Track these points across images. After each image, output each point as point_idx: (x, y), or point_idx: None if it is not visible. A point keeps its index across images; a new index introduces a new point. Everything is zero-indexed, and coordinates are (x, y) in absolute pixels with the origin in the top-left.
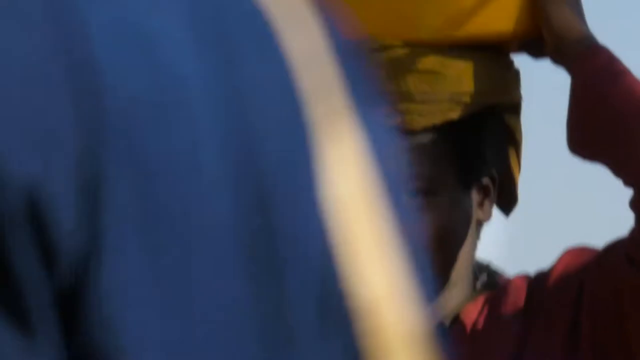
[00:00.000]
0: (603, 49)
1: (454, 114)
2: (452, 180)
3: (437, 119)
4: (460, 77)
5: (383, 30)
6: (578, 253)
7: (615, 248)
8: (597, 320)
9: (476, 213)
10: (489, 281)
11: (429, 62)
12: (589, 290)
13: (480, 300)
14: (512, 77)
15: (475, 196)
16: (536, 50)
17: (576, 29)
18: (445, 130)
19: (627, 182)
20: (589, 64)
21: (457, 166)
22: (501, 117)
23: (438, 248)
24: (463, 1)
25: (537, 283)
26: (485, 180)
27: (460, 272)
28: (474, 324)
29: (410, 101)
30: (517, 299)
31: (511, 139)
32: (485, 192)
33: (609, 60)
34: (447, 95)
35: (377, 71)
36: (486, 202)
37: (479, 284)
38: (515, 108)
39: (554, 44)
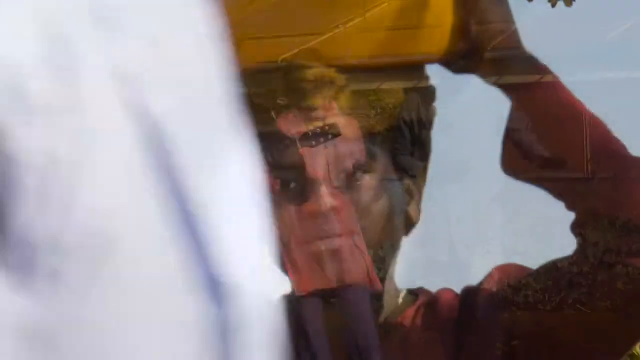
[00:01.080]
0: (546, 68)
1: (381, 126)
2: (389, 167)
3: (365, 129)
4: (392, 91)
5: (317, 55)
6: (508, 270)
7: (554, 270)
8: (533, 344)
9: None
10: (409, 291)
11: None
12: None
13: (413, 308)
14: (431, 92)
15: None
16: (458, 66)
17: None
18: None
19: (570, 207)
20: (537, 87)
21: (391, 162)
22: (415, 131)
23: (382, 228)
24: (393, 29)
25: (469, 298)
26: (408, 182)
27: (393, 267)
28: (409, 332)
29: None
30: (449, 312)
31: (424, 154)
32: (410, 194)
33: (557, 83)
34: (377, 110)
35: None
36: (413, 203)
37: (401, 293)
38: (428, 123)
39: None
